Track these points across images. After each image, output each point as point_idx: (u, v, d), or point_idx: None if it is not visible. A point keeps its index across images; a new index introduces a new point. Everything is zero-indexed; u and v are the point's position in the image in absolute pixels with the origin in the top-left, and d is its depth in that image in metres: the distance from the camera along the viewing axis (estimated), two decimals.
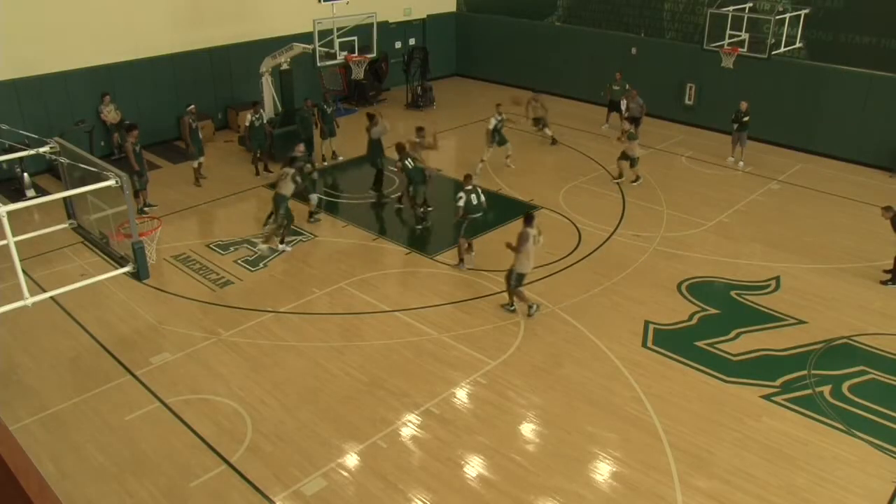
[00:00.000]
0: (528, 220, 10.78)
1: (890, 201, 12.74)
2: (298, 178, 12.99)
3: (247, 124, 16.16)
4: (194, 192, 15.52)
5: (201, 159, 15.76)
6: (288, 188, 12.77)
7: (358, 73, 17.01)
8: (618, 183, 15.92)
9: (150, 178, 14.69)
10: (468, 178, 12.33)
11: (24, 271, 5.95)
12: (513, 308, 11.08)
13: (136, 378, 9.63)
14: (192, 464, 8.16)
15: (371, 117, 15.49)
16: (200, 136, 15.69)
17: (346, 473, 8.06)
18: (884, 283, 12.05)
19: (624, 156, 15.78)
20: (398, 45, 23.37)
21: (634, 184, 15.86)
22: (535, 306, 11.00)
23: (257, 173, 16.39)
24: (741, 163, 17.07)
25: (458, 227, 12.30)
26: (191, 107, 15.55)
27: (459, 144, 18.67)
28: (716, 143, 18.44)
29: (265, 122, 16.48)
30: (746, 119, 16.57)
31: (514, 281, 10.81)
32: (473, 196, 11.98)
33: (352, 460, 8.26)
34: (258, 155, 16.41)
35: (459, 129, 19.78)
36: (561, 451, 8.42)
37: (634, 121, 18.31)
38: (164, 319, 10.96)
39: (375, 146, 15.27)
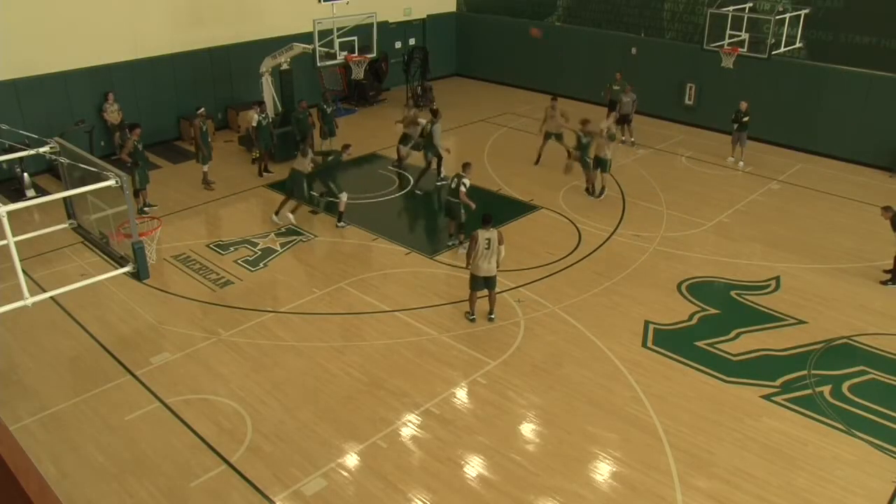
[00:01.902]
0: (484, 222, 10.60)
1: (890, 201, 12.75)
2: (310, 153, 13.77)
3: (254, 125, 16.12)
4: (194, 193, 15.51)
5: (210, 164, 15.72)
6: (300, 164, 13.66)
7: (358, 73, 16.99)
8: (598, 197, 15.11)
9: (150, 178, 14.69)
10: (467, 165, 12.82)
11: (24, 271, 5.95)
12: (472, 317, 10.91)
13: (136, 378, 9.63)
14: (192, 464, 8.16)
15: (435, 113, 15.76)
16: (210, 140, 15.57)
17: (346, 473, 8.06)
18: (884, 283, 12.05)
19: (596, 161, 14.88)
20: (398, 45, 23.37)
21: (600, 197, 15.10)
22: (472, 315, 10.88)
23: (260, 174, 16.36)
24: (741, 163, 17.07)
25: (455, 211, 12.84)
26: (200, 110, 15.56)
27: (459, 144, 18.66)
28: (716, 143, 18.45)
29: (269, 121, 16.48)
30: (746, 119, 16.57)
31: (469, 283, 10.76)
32: (466, 181, 12.63)
33: (352, 460, 8.26)
34: (260, 155, 16.39)
35: (460, 128, 19.77)
36: (561, 451, 8.41)
37: (625, 118, 18.29)
38: (164, 319, 10.96)
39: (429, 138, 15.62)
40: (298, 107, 16.67)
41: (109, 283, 11.02)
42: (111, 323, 10.89)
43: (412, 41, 23.72)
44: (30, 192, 14.94)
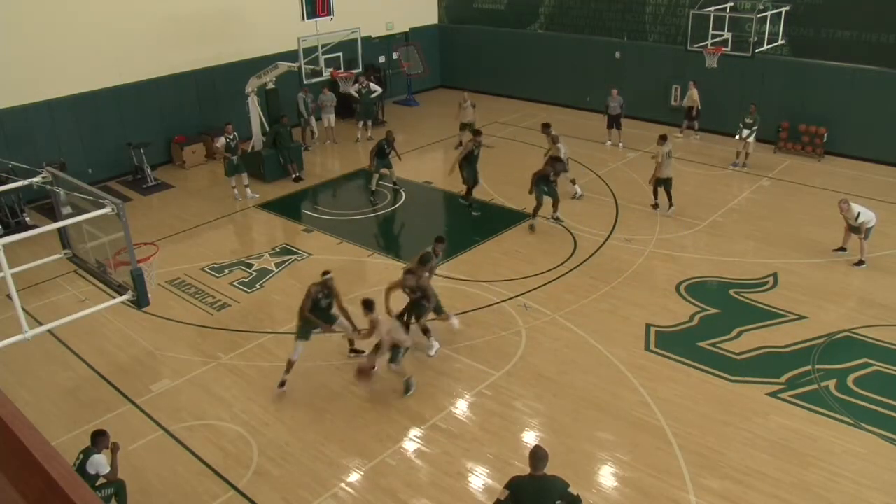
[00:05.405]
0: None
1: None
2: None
3: (218, 146, 16.03)
4: (185, 216, 15.38)
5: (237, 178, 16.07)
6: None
7: (346, 88, 16.86)
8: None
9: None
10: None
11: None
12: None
13: (138, 406, 9.49)
14: (200, 491, 8.04)
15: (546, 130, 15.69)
16: (234, 160, 15.69)
17: (355, 493, 7.96)
18: (856, 264, 12.28)
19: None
20: (382, 59, 23.37)
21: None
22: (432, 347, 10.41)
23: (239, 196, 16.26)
24: (746, 165, 17.03)
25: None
26: (220, 141, 15.75)
27: (448, 156, 18.66)
28: (704, 142, 18.53)
29: (239, 142, 16.07)
30: (750, 121, 16.58)
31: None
32: None
33: (360, 479, 8.16)
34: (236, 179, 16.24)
35: (447, 140, 19.77)
36: (571, 459, 8.34)
37: (614, 119, 18.32)
38: (163, 346, 10.83)
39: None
40: (280, 121, 16.78)
41: (104, 311, 10.87)
42: (108, 352, 10.75)
43: (395, 55, 23.71)
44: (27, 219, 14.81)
